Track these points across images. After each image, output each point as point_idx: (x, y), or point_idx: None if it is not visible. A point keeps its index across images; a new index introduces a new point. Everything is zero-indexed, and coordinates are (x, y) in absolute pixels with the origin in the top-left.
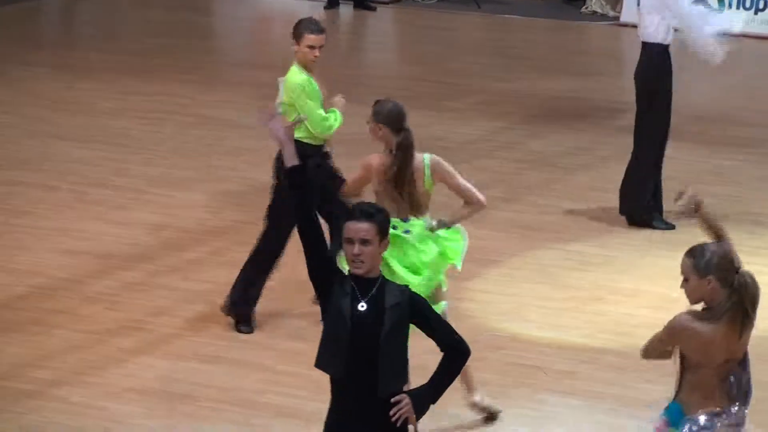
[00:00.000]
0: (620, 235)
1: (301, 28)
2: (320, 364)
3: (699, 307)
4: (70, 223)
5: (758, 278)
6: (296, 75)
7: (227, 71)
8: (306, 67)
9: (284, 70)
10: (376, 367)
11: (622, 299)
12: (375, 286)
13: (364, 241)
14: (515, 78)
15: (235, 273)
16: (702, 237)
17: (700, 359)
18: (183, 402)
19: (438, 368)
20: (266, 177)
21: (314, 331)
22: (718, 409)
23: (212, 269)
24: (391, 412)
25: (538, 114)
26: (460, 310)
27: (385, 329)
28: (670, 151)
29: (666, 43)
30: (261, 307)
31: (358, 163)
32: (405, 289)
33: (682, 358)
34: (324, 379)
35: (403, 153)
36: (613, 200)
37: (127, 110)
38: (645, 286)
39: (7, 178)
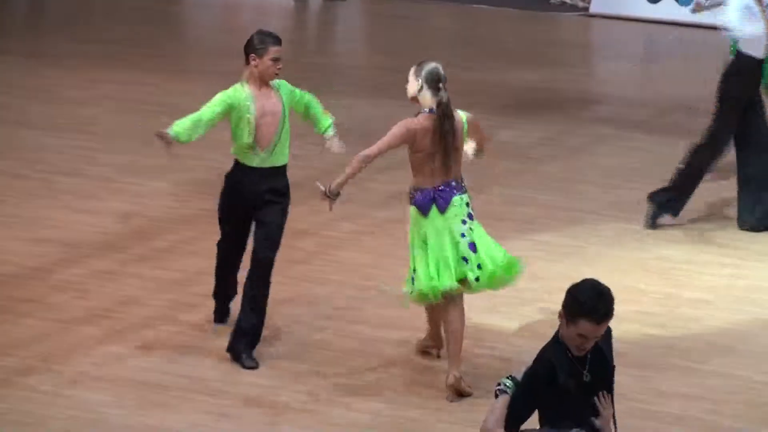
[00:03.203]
0: (589, 226)
1: (265, 41)
2: None
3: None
4: (38, 211)
5: (736, 271)
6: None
7: (195, 60)
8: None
9: None
10: None
11: None
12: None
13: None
14: (485, 68)
15: (203, 262)
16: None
17: None
18: (152, 391)
19: None
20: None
21: (285, 323)
22: None
23: (181, 258)
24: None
25: (508, 104)
26: None
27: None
28: (646, 144)
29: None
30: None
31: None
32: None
33: None
34: (293, 369)
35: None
36: (582, 190)
37: (95, 98)
38: (613, 278)
39: None
